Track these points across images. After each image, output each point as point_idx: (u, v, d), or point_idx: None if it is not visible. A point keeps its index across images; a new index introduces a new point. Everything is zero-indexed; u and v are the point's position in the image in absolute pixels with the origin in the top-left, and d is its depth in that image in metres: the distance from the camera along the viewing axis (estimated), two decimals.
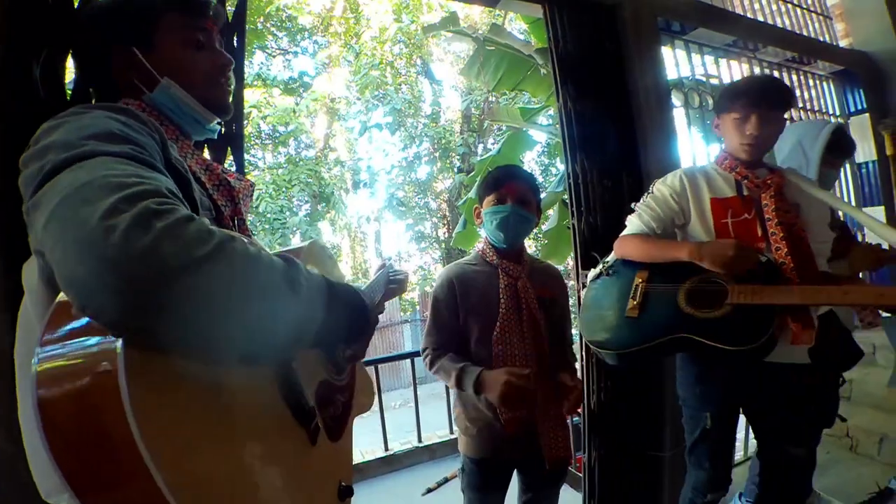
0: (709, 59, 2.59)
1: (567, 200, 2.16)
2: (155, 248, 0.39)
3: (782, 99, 1.26)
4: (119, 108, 0.58)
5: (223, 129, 1.29)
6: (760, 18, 3.01)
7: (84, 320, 0.43)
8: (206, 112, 0.73)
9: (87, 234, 0.39)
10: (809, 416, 1.34)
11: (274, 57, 10.70)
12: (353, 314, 0.65)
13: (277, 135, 9.77)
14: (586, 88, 1.84)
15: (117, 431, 0.38)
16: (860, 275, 1.57)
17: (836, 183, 3.12)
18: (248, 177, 0.93)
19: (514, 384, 1.10)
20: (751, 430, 2.12)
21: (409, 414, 3.63)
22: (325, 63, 10.86)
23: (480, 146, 10.51)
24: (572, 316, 1.47)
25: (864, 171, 3.14)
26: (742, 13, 2.95)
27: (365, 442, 3.77)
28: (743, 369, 1.28)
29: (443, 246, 10.94)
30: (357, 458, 3.47)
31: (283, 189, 8.79)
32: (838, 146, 1.58)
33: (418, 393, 3.47)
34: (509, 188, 1.30)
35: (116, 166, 0.46)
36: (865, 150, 3.11)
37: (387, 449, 3.53)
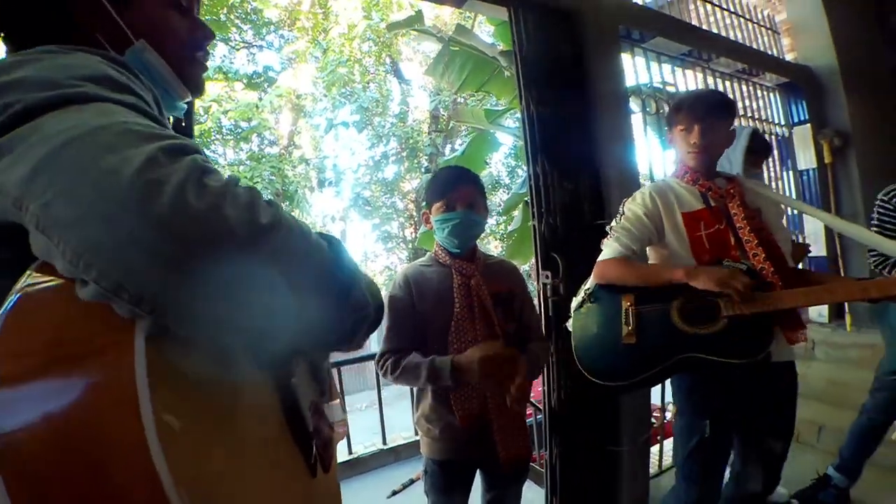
0: (666, 67, 2.69)
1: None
2: (218, 208, 0.33)
3: (724, 110, 1.33)
4: (109, 55, 0.47)
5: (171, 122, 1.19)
6: (715, 31, 3.15)
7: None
8: (181, 87, 0.61)
9: (123, 188, 0.31)
10: (794, 413, 1.40)
11: (238, 50, 10.33)
12: (380, 309, 0.55)
13: (239, 130, 9.44)
14: (548, 92, 1.86)
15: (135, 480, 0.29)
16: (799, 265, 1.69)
17: (780, 188, 3.32)
18: None
19: (489, 356, 1.11)
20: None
21: (377, 415, 3.60)
22: (290, 58, 10.60)
23: (448, 147, 10.52)
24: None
25: (805, 177, 3.34)
26: (698, 25, 3.08)
27: None
28: (744, 374, 1.27)
29: (410, 246, 10.88)
30: None
31: None
32: (756, 148, 1.69)
33: (384, 394, 3.43)
34: (458, 194, 1.29)
35: (130, 115, 0.38)
36: (807, 158, 3.31)
37: (350, 452, 3.47)
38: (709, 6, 3.26)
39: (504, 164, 10.77)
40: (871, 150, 3.18)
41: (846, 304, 3.01)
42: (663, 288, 1.27)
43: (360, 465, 3.48)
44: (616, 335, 1.29)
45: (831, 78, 3.27)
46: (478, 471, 1.39)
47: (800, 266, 1.69)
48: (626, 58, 2.37)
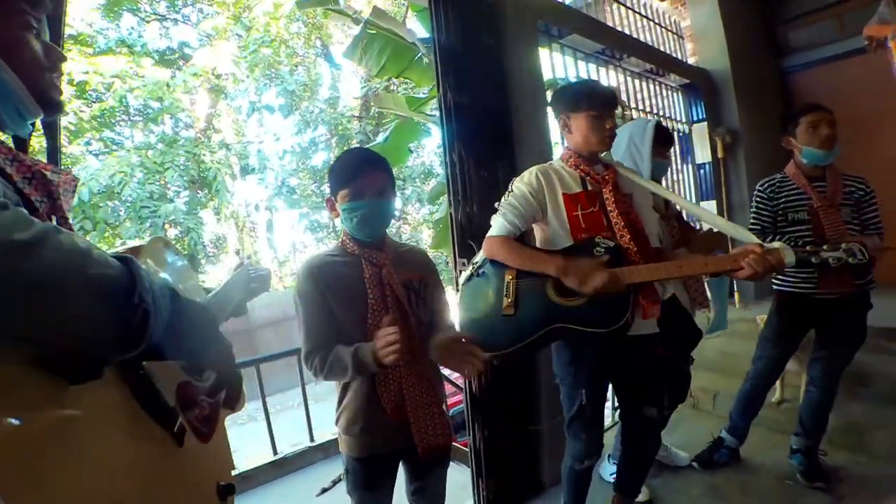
0: (581, 64, 2.81)
1: None
2: None
3: (618, 103, 1.47)
4: None
5: None
6: (628, 32, 3.35)
7: None
8: (35, 106, 0.63)
9: None
10: (662, 385, 1.56)
11: (148, 23, 9.37)
12: (196, 331, 0.65)
13: (150, 111, 8.59)
14: (466, 80, 1.87)
15: None
16: None
17: (681, 180, 3.62)
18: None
19: (385, 336, 1.09)
20: (615, 400, 2.37)
21: (312, 412, 3.49)
22: (209, 35, 9.79)
23: (381, 135, 10.31)
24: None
25: (702, 170, 3.68)
26: (613, 26, 3.25)
27: (252, 448, 3.54)
28: (609, 346, 1.41)
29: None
30: (242, 465, 3.24)
31: (155, 173, 7.72)
32: (661, 138, 1.83)
33: (316, 390, 3.33)
34: (367, 180, 1.23)
35: None
36: (704, 153, 3.65)
37: (275, 452, 3.35)
38: (623, 9, 3.45)
39: (437, 153, 10.77)
40: (757, 147, 3.57)
41: (735, 284, 3.39)
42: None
43: (287, 465, 3.37)
44: (498, 307, 1.37)
45: (725, 81, 3.62)
46: (400, 463, 1.36)
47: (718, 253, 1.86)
48: (543, 52, 2.45)
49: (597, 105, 1.39)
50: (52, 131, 1.18)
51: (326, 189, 1.35)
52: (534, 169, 1.48)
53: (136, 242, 0.80)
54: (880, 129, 3.37)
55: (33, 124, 0.72)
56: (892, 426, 2.18)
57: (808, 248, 1.27)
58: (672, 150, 2.08)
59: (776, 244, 1.24)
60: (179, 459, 0.65)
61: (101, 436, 0.51)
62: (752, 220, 1.95)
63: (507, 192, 1.48)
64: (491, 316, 1.38)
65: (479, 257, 1.49)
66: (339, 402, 1.30)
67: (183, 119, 9.38)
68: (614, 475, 1.83)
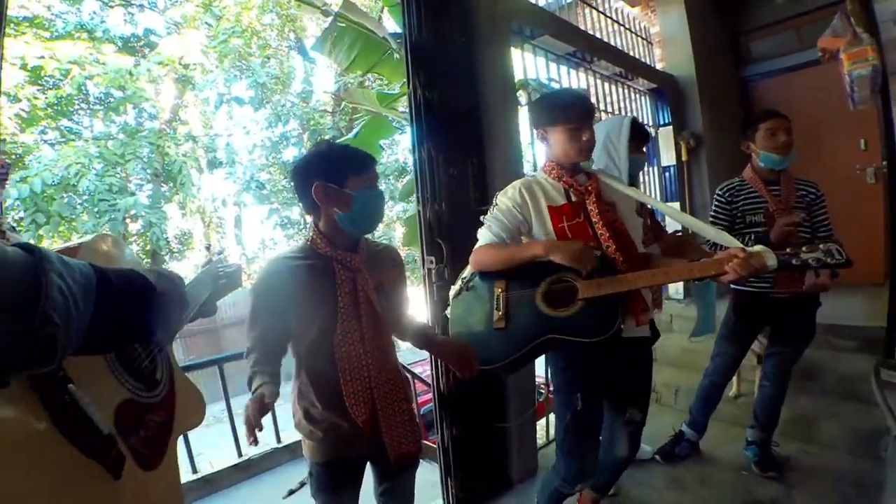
0: (552, 65, 2.84)
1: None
2: None
3: (594, 113, 1.47)
4: None
5: None
6: (599, 36, 3.41)
7: None
8: None
9: None
10: (650, 385, 1.59)
11: (112, 8, 8.92)
12: (133, 304, 0.52)
13: (111, 100, 8.18)
14: (437, 77, 1.86)
15: None
16: None
17: (647, 182, 3.72)
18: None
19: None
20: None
21: (278, 412, 3.41)
22: (177, 23, 9.41)
23: (354, 130, 10.16)
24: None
25: (667, 173, 3.80)
26: (584, 29, 3.31)
27: (216, 450, 3.44)
28: (603, 351, 1.39)
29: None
30: (206, 469, 3.15)
31: (115, 164, 7.36)
32: (637, 135, 1.87)
33: (285, 390, 3.25)
34: (375, 172, 1.23)
35: None
36: (669, 156, 3.76)
37: (240, 455, 3.26)
38: (595, 13, 3.51)
39: (410, 150, 10.66)
40: (718, 151, 3.71)
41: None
42: (532, 271, 1.36)
43: (253, 467, 3.29)
44: (489, 321, 1.37)
45: (690, 86, 3.74)
46: (368, 464, 1.33)
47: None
48: (515, 52, 2.46)
49: (573, 118, 1.39)
50: None
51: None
52: (517, 183, 1.48)
53: (74, 242, 0.70)
54: (833, 137, 3.55)
55: None
56: (838, 417, 2.31)
57: (788, 249, 1.27)
58: (647, 146, 2.12)
59: (758, 248, 1.24)
60: (115, 495, 0.55)
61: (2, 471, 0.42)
62: (710, 222, 2.02)
63: (491, 206, 1.48)
64: (483, 330, 1.39)
65: (467, 272, 1.48)
66: (295, 406, 1.25)
67: (147, 109, 8.96)
68: None
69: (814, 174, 2.05)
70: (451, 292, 1.51)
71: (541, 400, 2.62)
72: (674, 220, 1.80)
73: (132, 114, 8.77)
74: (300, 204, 1.28)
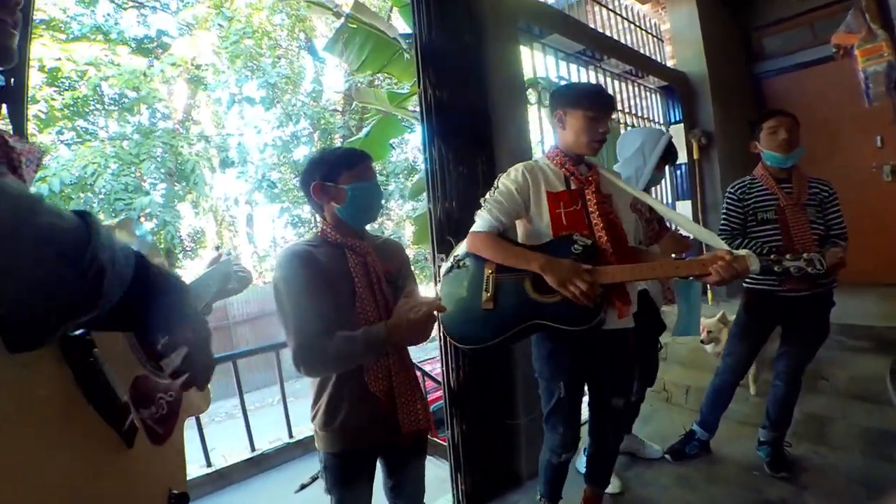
0: (562, 63, 2.84)
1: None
2: None
3: (613, 109, 1.49)
4: None
5: None
6: (608, 33, 3.39)
7: None
8: None
9: None
10: (632, 374, 1.62)
11: (125, 10, 9.06)
12: (165, 301, 0.56)
13: (126, 101, 8.32)
14: (447, 77, 1.88)
15: None
16: (672, 255, 1.92)
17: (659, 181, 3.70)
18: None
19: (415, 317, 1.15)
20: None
21: (290, 408, 3.46)
22: (189, 24, 9.53)
23: (364, 129, 10.20)
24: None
25: (678, 171, 3.77)
26: (594, 27, 3.30)
27: (229, 445, 3.50)
28: (585, 340, 1.45)
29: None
30: (220, 462, 3.21)
31: (130, 164, 7.50)
32: (669, 155, 1.88)
33: (295, 387, 3.31)
34: (368, 164, 1.29)
35: None
36: (680, 155, 3.73)
37: (253, 449, 3.32)
38: (605, 11, 3.50)
39: (420, 149, 10.67)
40: (730, 149, 3.67)
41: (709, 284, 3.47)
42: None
43: (266, 462, 3.34)
44: (477, 301, 1.40)
45: (702, 84, 3.71)
46: (378, 459, 1.36)
47: (684, 256, 1.93)
48: (525, 51, 2.47)
49: (596, 106, 1.41)
50: (15, 99, 1.12)
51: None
52: (520, 166, 1.50)
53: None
54: (847, 134, 3.50)
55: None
56: (850, 418, 2.28)
57: (772, 256, 1.35)
58: (674, 163, 2.15)
59: (743, 251, 1.28)
60: (126, 462, 0.57)
61: (25, 426, 0.44)
62: (722, 221, 2.01)
63: (492, 188, 1.50)
64: (471, 309, 1.41)
65: (460, 250, 1.51)
66: (317, 398, 1.28)
67: (160, 109, 9.12)
68: None
69: (828, 173, 2.03)
70: (443, 269, 1.54)
71: None
72: (666, 217, 1.83)
73: (146, 114, 8.93)
74: (309, 204, 1.37)
